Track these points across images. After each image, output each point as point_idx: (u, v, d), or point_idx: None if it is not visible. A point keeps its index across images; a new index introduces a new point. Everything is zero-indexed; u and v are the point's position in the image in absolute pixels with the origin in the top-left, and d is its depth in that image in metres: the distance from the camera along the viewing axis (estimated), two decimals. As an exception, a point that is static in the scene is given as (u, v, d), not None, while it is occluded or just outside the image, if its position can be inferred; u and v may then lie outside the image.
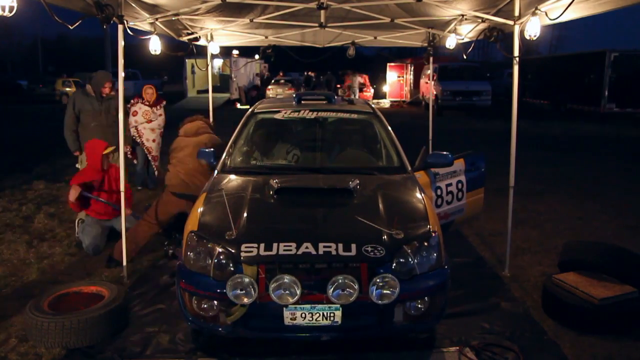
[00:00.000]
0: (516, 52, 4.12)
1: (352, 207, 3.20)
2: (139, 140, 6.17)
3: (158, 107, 6.21)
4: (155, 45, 5.10)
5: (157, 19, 4.83)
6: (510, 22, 4.19)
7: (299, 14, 5.41)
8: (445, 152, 3.94)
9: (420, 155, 4.07)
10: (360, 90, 23.29)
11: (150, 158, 6.23)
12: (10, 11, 3.06)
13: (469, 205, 4.73)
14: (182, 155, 4.64)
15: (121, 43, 3.99)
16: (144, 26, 4.96)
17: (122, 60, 4.02)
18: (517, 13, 4.09)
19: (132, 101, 6.23)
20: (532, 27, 3.90)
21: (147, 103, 6.12)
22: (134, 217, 4.87)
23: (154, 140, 6.18)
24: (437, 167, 4.05)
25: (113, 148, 4.82)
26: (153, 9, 4.68)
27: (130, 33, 4.40)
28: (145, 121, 6.09)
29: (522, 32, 4.05)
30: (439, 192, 4.45)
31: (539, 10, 3.81)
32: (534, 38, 3.95)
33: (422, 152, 4.12)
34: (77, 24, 3.77)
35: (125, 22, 4.07)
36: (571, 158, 10.35)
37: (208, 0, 4.67)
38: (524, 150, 7.16)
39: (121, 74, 4.05)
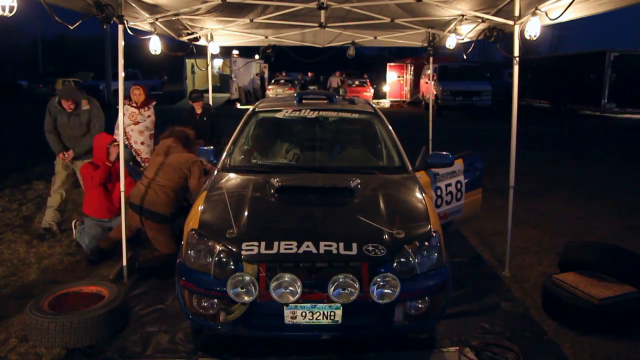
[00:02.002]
0: (516, 52, 4.13)
1: (353, 206, 3.20)
2: (126, 143, 6.03)
3: (146, 108, 6.05)
4: (155, 45, 5.10)
5: (157, 19, 4.84)
6: (510, 22, 4.19)
7: (299, 14, 5.41)
8: (445, 153, 3.94)
9: (420, 155, 4.07)
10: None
11: (139, 160, 6.10)
12: (10, 11, 3.06)
13: (467, 206, 4.73)
14: (152, 172, 4.49)
15: (121, 43, 3.99)
16: (144, 26, 4.96)
17: (122, 60, 4.02)
18: (517, 13, 4.09)
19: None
20: (532, 27, 3.90)
21: (135, 105, 5.98)
22: None
23: (142, 143, 6.02)
24: (438, 167, 4.05)
25: (118, 142, 4.81)
26: (153, 9, 4.68)
27: (130, 33, 4.40)
28: (131, 123, 5.95)
29: (522, 32, 4.05)
30: (438, 192, 4.46)
31: (539, 10, 3.81)
32: (534, 38, 3.95)
33: (422, 152, 4.12)
34: (77, 24, 3.77)
35: (125, 22, 4.07)
36: (571, 158, 10.35)
37: (208, 0, 4.67)
38: (524, 150, 7.16)
39: (121, 74, 4.05)
